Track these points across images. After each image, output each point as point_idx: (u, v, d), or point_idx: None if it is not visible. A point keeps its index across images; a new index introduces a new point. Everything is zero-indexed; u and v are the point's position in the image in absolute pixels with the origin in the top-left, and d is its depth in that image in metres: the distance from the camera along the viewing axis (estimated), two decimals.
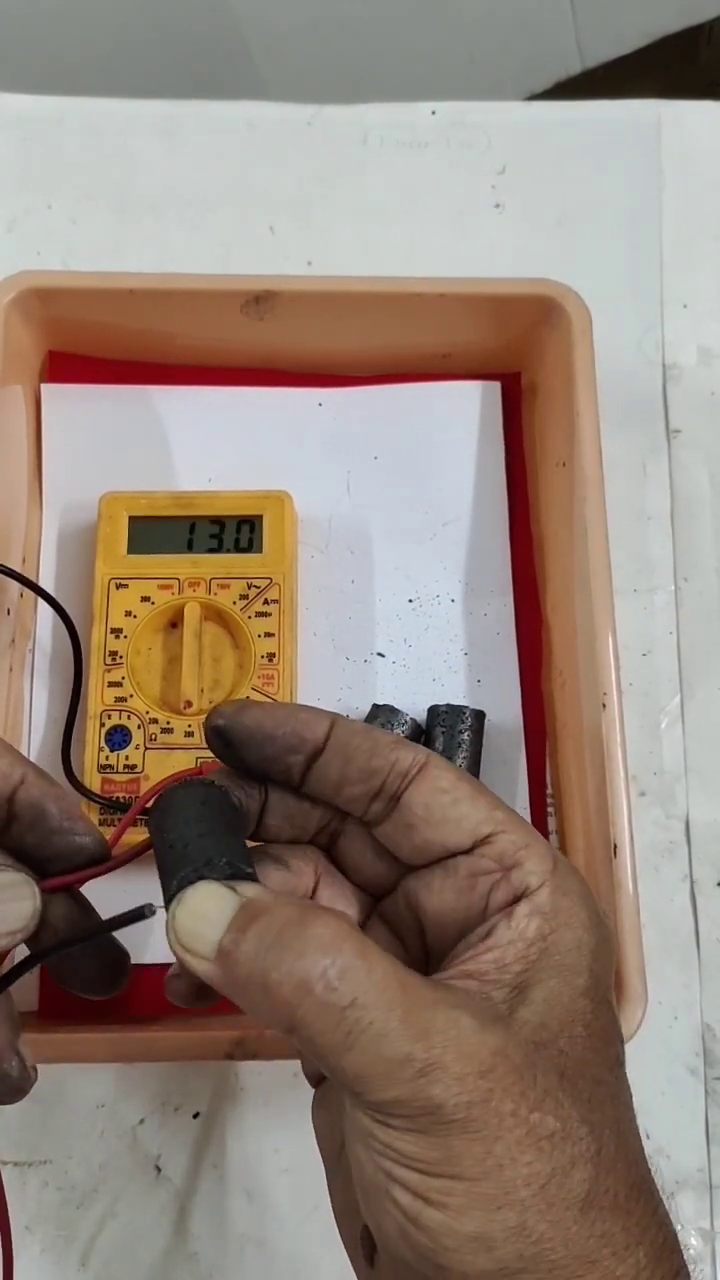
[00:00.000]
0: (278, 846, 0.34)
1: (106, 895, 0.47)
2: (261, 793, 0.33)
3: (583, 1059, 0.28)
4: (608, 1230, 0.27)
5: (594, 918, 0.30)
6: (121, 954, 0.35)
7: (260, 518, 0.49)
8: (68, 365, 0.53)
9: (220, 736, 0.32)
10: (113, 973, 0.35)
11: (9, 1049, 0.32)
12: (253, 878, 0.29)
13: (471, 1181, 0.26)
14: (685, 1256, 0.29)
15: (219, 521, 0.49)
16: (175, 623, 0.49)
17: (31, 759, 0.48)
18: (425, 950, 0.32)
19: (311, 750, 0.31)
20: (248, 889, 0.29)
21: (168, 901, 0.29)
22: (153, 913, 0.29)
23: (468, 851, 0.31)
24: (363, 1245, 0.30)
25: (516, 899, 0.30)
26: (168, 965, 0.46)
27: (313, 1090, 0.34)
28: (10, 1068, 0.32)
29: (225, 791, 0.32)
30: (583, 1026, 0.29)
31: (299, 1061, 0.35)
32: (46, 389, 0.53)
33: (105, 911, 0.47)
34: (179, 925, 0.28)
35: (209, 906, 0.28)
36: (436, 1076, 0.26)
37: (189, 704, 0.47)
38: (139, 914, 0.29)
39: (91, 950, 0.34)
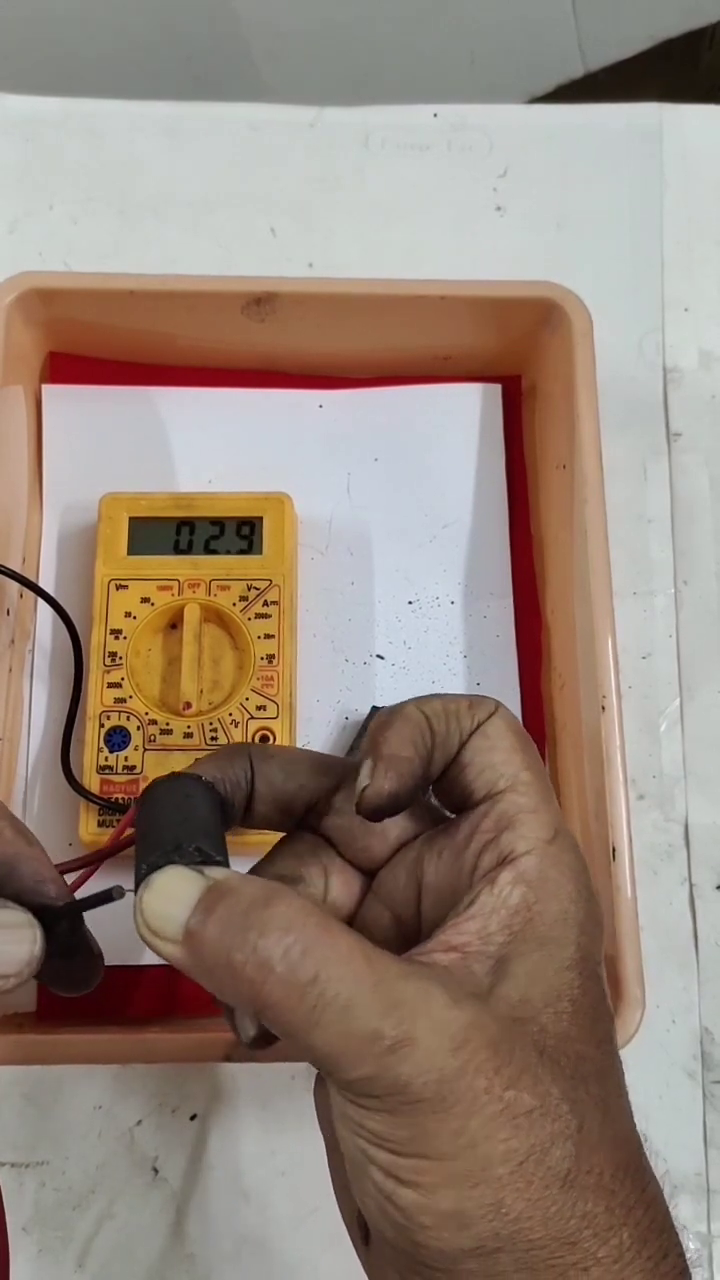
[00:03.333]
0: (283, 863, 0.34)
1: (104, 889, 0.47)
2: (247, 780, 0.33)
3: (566, 1034, 0.28)
4: (590, 1210, 0.26)
5: (583, 891, 0.30)
6: (95, 952, 0.35)
7: (260, 519, 0.49)
8: (68, 366, 0.53)
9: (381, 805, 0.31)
10: (86, 970, 0.35)
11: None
12: (223, 864, 0.29)
13: (444, 1160, 0.26)
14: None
15: (219, 523, 0.49)
16: (175, 624, 0.49)
17: (31, 760, 0.49)
18: (420, 927, 0.32)
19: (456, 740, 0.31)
20: (215, 872, 0.28)
21: (137, 886, 0.29)
22: (121, 894, 0.29)
23: (480, 803, 0.30)
24: (359, 1225, 0.29)
25: (502, 863, 0.29)
26: (166, 968, 0.46)
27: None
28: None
29: (210, 786, 0.32)
30: (568, 1002, 0.28)
31: (298, 1063, 0.35)
32: (47, 390, 0.53)
33: (104, 914, 0.47)
34: (146, 908, 0.27)
35: (176, 889, 0.28)
36: (405, 1053, 0.25)
37: (188, 705, 0.47)
38: (107, 896, 0.30)
39: (64, 947, 0.33)
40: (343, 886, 0.34)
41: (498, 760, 0.30)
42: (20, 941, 0.30)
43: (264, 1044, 0.31)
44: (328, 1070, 0.26)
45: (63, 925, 0.32)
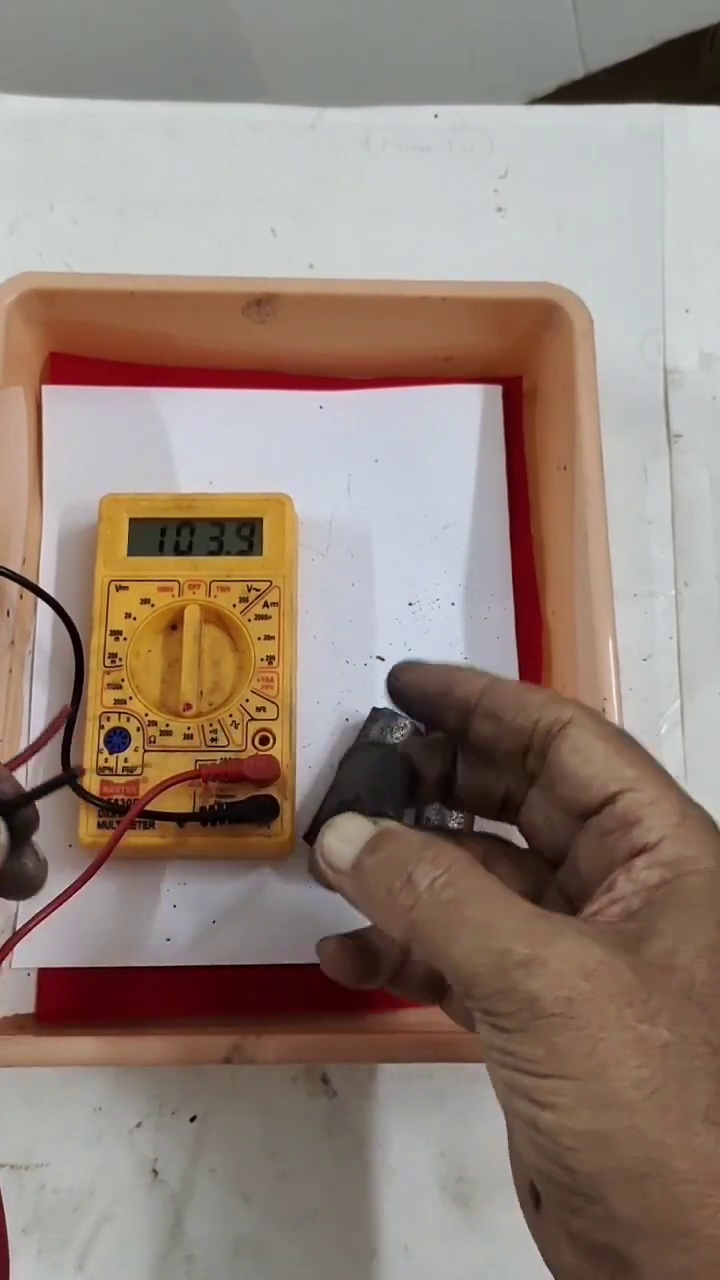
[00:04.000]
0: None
1: (105, 893, 0.47)
2: (444, 760, 0.36)
3: (716, 984, 0.28)
4: None
5: (718, 852, 0.30)
6: (41, 856, 0.38)
7: (260, 520, 0.49)
8: (69, 367, 0.53)
9: (390, 690, 0.36)
10: (34, 873, 0.37)
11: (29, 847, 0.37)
12: (395, 819, 0.33)
13: (577, 1081, 0.27)
14: None
15: (219, 524, 0.49)
16: (175, 625, 0.48)
17: (31, 761, 0.49)
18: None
19: (462, 706, 0.34)
20: (385, 822, 0.33)
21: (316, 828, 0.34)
22: (82, 773, 0.35)
23: (598, 811, 0.31)
24: (530, 1191, 0.30)
25: (636, 854, 0.30)
26: (165, 969, 0.46)
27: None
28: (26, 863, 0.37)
29: (405, 756, 0.36)
30: (719, 957, 0.29)
31: (300, 1066, 0.35)
32: (48, 390, 0.53)
33: (101, 908, 0.47)
34: (325, 844, 0.33)
35: (351, 830, 0.32)
36: (536, 970, 0.27)
37: (188, 706, 0.47)
38: (63, 780, 0.35)
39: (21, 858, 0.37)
40: (509, 879, 0.35)
41: (598, 769, 0.32)
42: None
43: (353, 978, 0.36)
44: (466, 989, 0.28)
45: (17, 819, 0.35)
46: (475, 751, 0.35)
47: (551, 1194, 0.28)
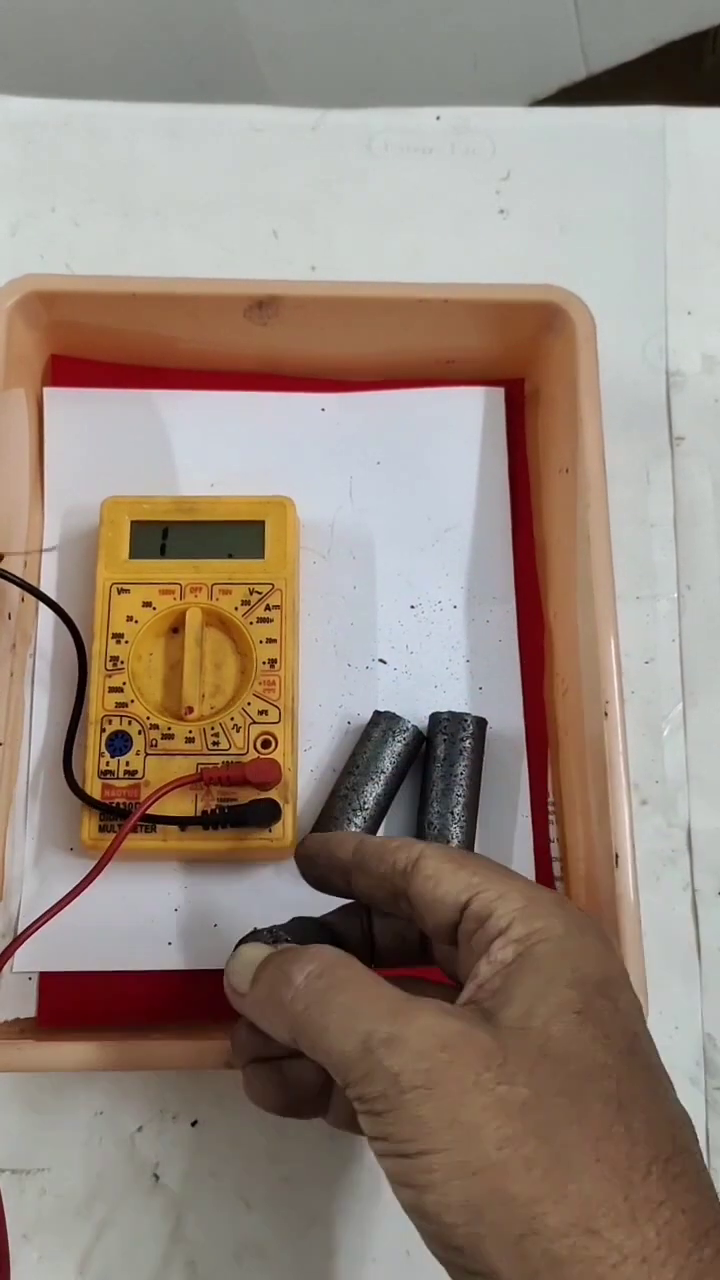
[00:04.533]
0: None
1: (106, 897, 0.47)
2: (362, 922, 0.39)
3: (574, 1039, 0.30)
4: (606, 1198, 0.27)
5: (573, 927, 0.32)
6: None
7: (262, 523, 0.49)
8: (70, 369, 0.53)
9: (300, 867, 0.40)
10: None
11: None
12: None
13: (444, 1152, 0.28)
14: None
15: (221, 527, 0.49)
16: (176, 628, 0.48)
17: (32, 764, 0.49)
18: None
19: (343, 868, 0.38)
20: (283, 945, 0.36)
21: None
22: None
23: (459, 923, 0.34)
24: None
25: (492, 941, 0.32)
26: (167, 973, 0.46)
27: None
28: None
29: (327, 924, 0.40)
30: (574, 1014, 0.30)
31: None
32: (49, 393, 0.53)
33: (103, 912, 0.47)
34: (228, 969, 0.36)
35: (250, 955, 0.35)
36: (396, 1048, 0.29)
37: (190, 710, 0.47)
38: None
39: None
40: None
41: (447, 886, 0.34)
42: None
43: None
44: (340, 1075, 0.30)
45: None
46: (364, 902, 0.38)
47: (454, 1275, 0.28)
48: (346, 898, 0.39)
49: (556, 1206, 0.27)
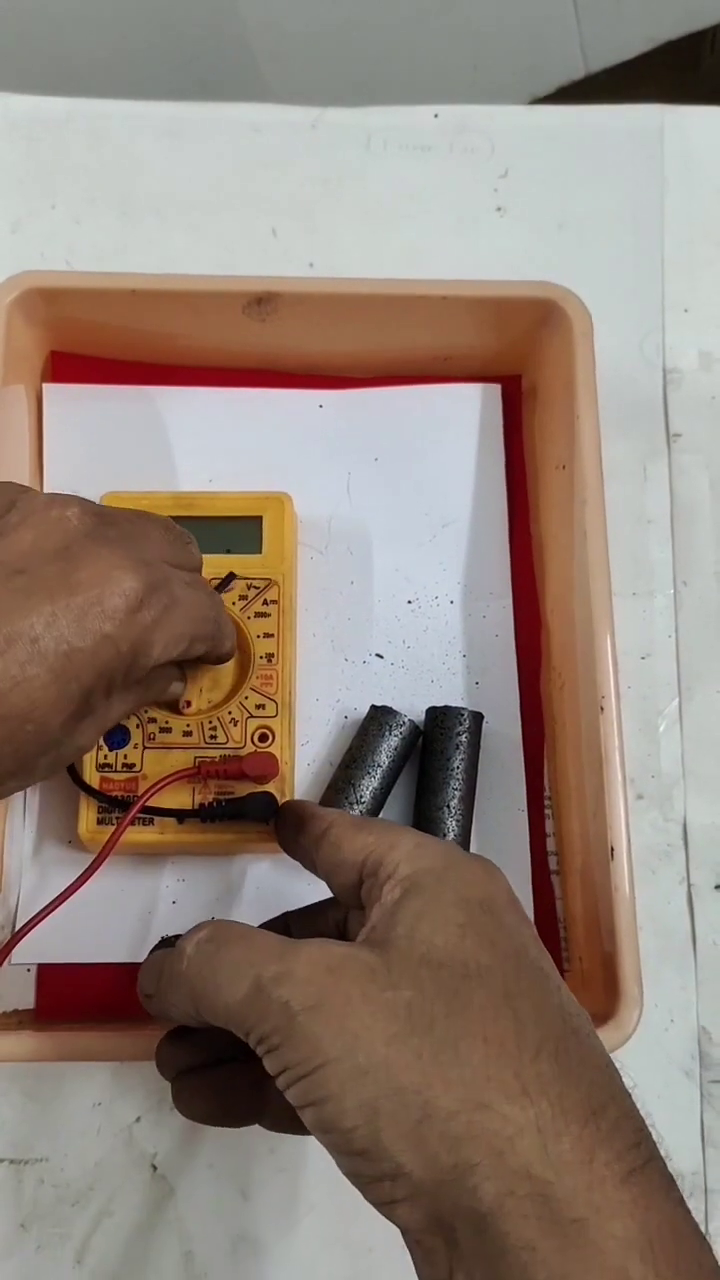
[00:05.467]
0: None
1: (105, 889, 0.47)
2: (325, 920, 0.39)
3: (457, 947, 0.31)
4: (495, 1075, 0.28)
5: (456, 859, 0.33)
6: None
7: (260, 519, 0.49)
8: (70, 365, 0.53)
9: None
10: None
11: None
12: None
13: (337, 1062, 0.29)
14: None
15: (219, 522, 0.49)
16: None
17: None
18: None
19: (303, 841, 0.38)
20: None
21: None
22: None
23: (361, 883, 0.35)
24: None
25: (383, 887, 0.33)
26: None
27: None
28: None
29: (284, 923, 0.40)
30: (456, 927, 0.31)
31: None
32: (48, 389, 0.53)
33: (101, 904, 0.47)
34: (140, 978, 0.37)
35: (153, 961, 0.36)
36: (282, 980, 0.30)
37: (188, 703, 0.47)
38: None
39: None
40: None
41: (345, 851, 0.35)
42: None
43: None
44: (238, 1025, 0.31)
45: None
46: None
47: (370, 1194, 0.29)
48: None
49: (447, 1089, 0.28)
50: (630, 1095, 0.30)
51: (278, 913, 0.40)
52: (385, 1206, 0.29)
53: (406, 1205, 0.28)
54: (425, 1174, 0.28)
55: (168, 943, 0.38)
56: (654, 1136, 0.30)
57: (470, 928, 0.31)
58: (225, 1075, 0.37)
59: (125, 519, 0.38)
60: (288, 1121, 0.36)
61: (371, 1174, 0.29)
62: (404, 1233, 0.30)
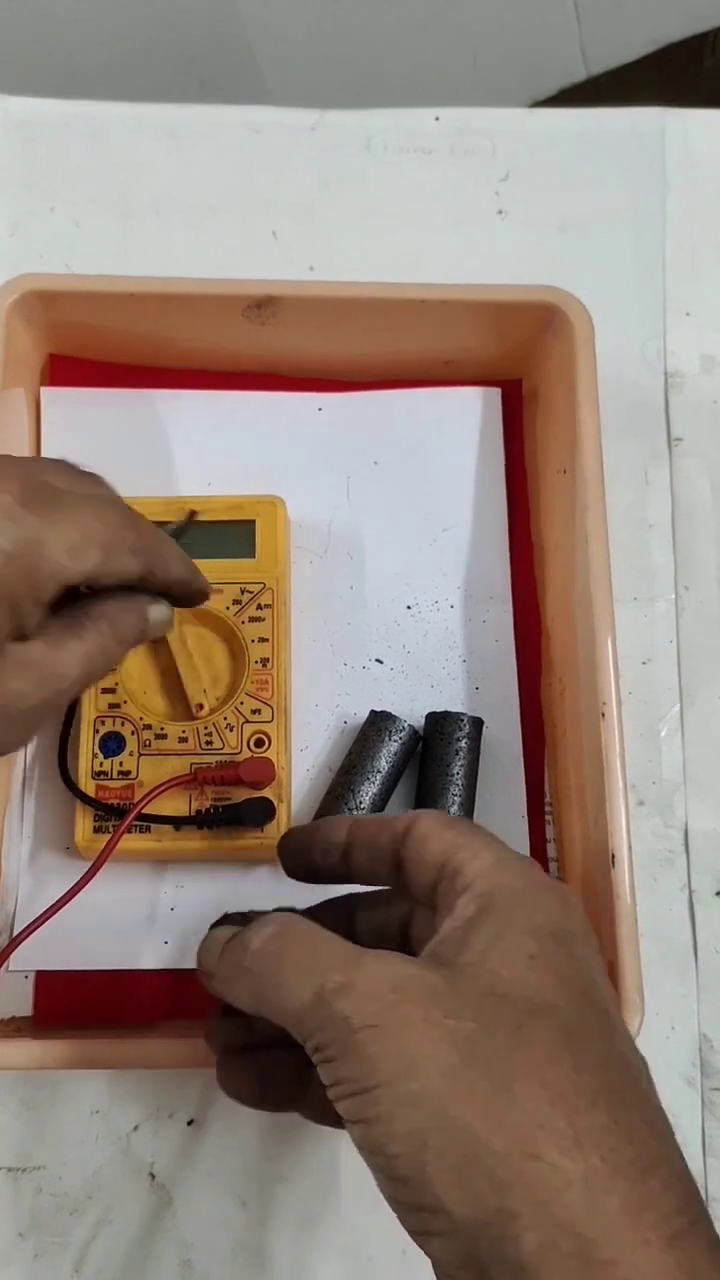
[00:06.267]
0: None
1: (102, 896, 0.47)
2: (346, 917, 0.39)
3: (523, 980, 0.30)
4: (548, 1121, 0.27)
5: (535, 884, 0.32)
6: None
7: (253, 523, 0.49)
8: (68, 369, 0.53)
9: (282, 859, 0.39)
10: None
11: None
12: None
13: (390, 1085, 0.28)
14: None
15: (212, 527, 0.49)
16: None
17: (28, 762, 0.49)
18: None
19: (341, 848, 0.37)
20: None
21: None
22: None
23: (438, 883, 0.34)
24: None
25: (456, 898, 0.32)
26: (163, 972, 0.46)
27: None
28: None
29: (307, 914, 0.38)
30: (527, 958, 0.30)
31: None
32: (46, 392, 0.53)
33: (99, 911, 0.47)
34: (199, 953, 0.36)
35: (219, 935, 0.35)
36: (345, 993, 0.30)
37: (200, 706, 0.47)
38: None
39: None
40: None
41: (434, 846, 0.34)
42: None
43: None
44: (296, 1028, 0.30)
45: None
46: (360, 882, 0.37)
47: (407, 1223, 0.29)
48: (337, 882, 0.38)
49: (498, 1130, 0.27)
50: (682, 1152, 0.29)
51: None
52: (420, 1237, 0.29)
53: (442, 1240, 0.28)
54: (466, 1213, 0.27)
55: (231, 920, 0.38)
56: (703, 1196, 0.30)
57: (540, 959, 0.31)
58: (271, 1060, 0.37)
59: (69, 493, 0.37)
60: (327, 1115, 0.36)
61: (410, 1202, 0.28)
62: (435, 1266, 0.29)
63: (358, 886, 0.38)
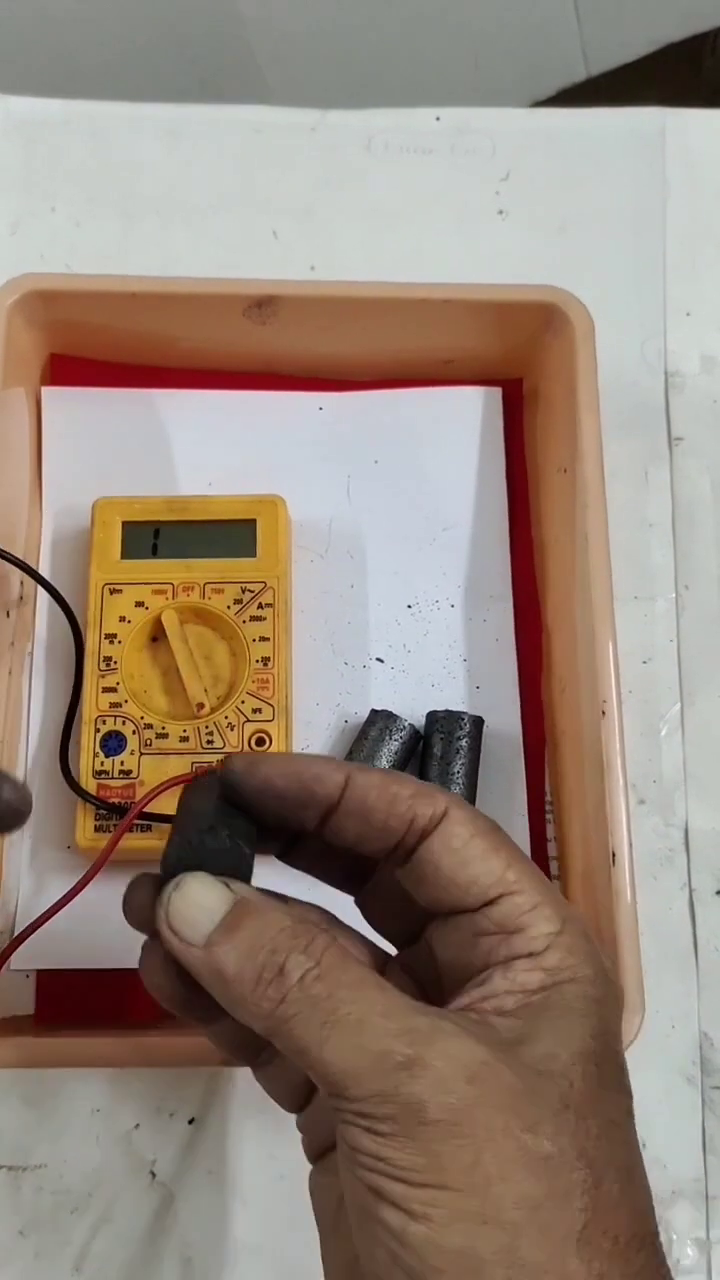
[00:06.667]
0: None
1: (102, 895, 0.47)
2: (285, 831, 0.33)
3: (594, 1096, 0.27)
4: (606, 1273, 0.26)
5: (601, 974, 0.30)
6: (20, 787, 0.33)
7: (254, 522, 0.49)
8: (69, 368, 0.53)
9: (232, 792, 0.32)
10: (13, 810, 0.33)
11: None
12: (248, 869, 0.30)
13: (457, 1193, 0.25)
14: (680, 1267, 0.28)
15: (212, 526, 0.49)
16: (156, 636, 0.48)
17: (29, 761, 0.49)
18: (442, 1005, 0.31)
19: (323, 808, 0.31)
20: (241, 888, 0.30)
21: (163, 880, 0.30)
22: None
23: (475, 910, 0.30)
24: None
25: (516, 958, 0.29)
26: None
27: (310, 1164, 0.33)
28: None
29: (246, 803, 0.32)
30: (595, 1065, 0.28)
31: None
32: (47, 392, 0.53)
33: (99, 910, 0.47)
34: (172, 909, 0.29)
35: (204, 897, 0.29)
36: (419, 1073, 0.26)
37: (201, 706, 0.47)
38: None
39: None
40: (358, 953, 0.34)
41: (477, 871, 0.30)
42: None
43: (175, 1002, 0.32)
44: (338, 1088, 0.26)
45: None
46: (331, 844, 0.32)
47: None
48: (288, 828, 0.33)
49: (561, 1277, 0.25)
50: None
51: None
52: None
53: None
54: None
55: (197, 853, 0.30)
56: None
57: (604, 1070, 0.28)
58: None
59: None
60: (279, 1087, 0.33)
61: None
62: None
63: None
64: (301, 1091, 0.33)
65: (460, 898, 0.30)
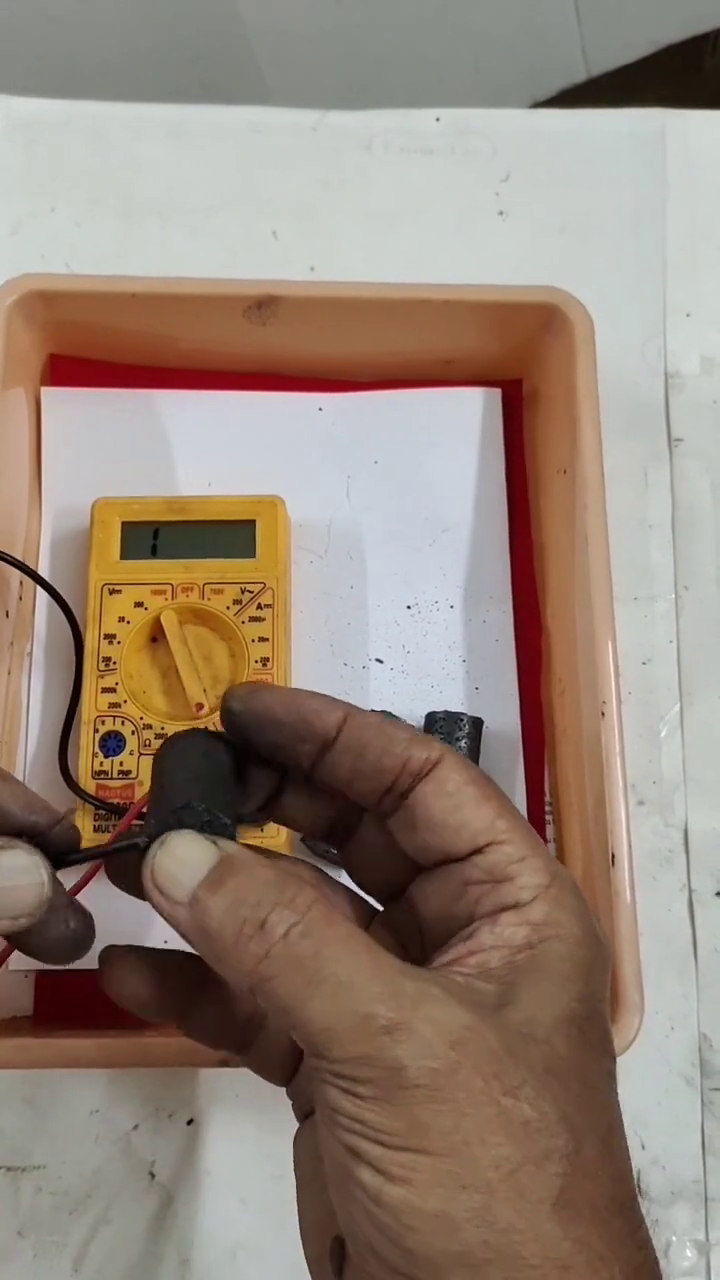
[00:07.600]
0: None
1: (102, 895, 0.47)
2: (274, 774, 0.33)
3: (576, 1060, 0.27)
4: (584, 1236, 0.26)
5: (589, 934, 0.29)
6: (87, 917, 0.33)
7: (253, 523, 0.49)
8: (69, 369, 0.53)
9: (232, 720, 0.32)
10: (77, 940, 0.33)
11: (64, 907, 0.32)
12: (232, 834, 0.30)
13: (436, 1156, 0.25)
14: (680, 1268, 0.28)
15: (211, 526, 0.49)
16: (155, 637, 0.49)
17: (28, 761, 0.49)
18: (426, 961, 0.31)
19: (320, 741, 0.31)
20: (227, 845, 0.29)
21: (149, 839, 0.29)
22: (145, 845, 0.29)
23: (463, 859, 0.30)
24: (332, 1257, 0.29)
25: (503, 910, 0.29)
26: None
27: (298, 1123, 0.33)
28: (70, 922, 0.32)
29: (233, 749, 0.32)
30: (578, 1029, 0.28)
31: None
32: (46, 392, 0.53)
33: (98, 910, 0.47)
34: (157, 866, 0.28)
35: (190, 854, 0.29)
36: (401, 1037, 0.26)
37: (200, 706, 0.47)
38: (133, 845, 0.30)
39: (61, 913, 0.32)
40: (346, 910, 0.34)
41: (468, 816, 0.30)
42: (29, 883, 0.29)
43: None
44: (319, 1048, 0.26)
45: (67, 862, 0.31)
46: (322, 783, 0.32)
47: (373, 1271, 0.26)
48: (282, 761, 0.32)
49: (536, 1240, 0.25)
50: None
51: None
52: None
53: None
54: None
55: (179, 804, 0.29)
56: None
57: (587, 1033, 0.28)
58: (173, 961, 0.32)
59: None
60: (266, 1065, 0.32)
61: (398, 1269, 0.26)
62: None
63: None
64: (289, 1062, 0.33)
65: (451, 842, 0.30)
